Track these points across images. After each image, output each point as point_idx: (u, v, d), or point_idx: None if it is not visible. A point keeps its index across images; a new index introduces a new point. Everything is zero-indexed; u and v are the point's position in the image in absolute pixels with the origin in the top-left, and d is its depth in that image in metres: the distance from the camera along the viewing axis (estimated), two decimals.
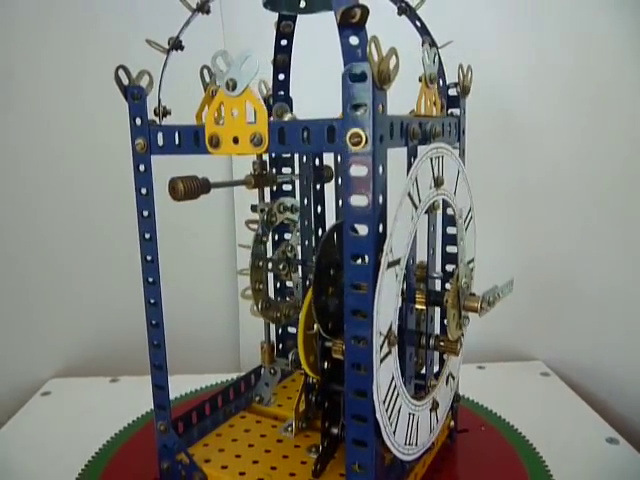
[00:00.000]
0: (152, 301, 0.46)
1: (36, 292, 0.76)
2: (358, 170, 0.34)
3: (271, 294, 0.55)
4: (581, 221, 0.75)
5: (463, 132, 0.50)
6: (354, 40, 0.34)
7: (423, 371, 0.45)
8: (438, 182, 0.41)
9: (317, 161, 0.52)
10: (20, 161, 0.73)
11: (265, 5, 0.45)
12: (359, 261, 0.35)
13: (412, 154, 0.38)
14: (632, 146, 0.71)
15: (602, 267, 0.74)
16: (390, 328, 0.36)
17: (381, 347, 0.35)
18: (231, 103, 0.38)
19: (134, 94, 0.42)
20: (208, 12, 0.43)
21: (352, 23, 0.34)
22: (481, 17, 0.73)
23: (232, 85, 0.37)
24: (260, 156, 0.51)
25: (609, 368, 0.73)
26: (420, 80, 0.41)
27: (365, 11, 0.34)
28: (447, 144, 0.43)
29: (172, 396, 0.48)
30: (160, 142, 0.42)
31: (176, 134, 0.41)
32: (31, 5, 0.69)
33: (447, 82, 0.49)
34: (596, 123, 0.72)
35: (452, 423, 0.54)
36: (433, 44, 0.48)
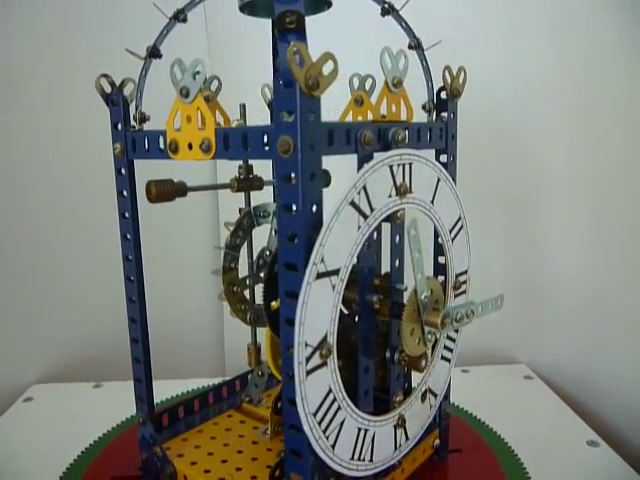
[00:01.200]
0: (133, 298, 0.48)
1: (18, 297, 0.76)
2: (288, 177, 0.33)
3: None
4: (567, 224, 0.76)
5: (453, 137, 0.47)
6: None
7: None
8: (401, 190, 0.40)
9: None
10: (11, 161, 0.74)
11: (242, 9, 0.46)
12: (291, 270, 0.34)
13: (365, 161, 0.37)
14: (628, 149, 0.68)
15: (587, 271, 0.75)
16: (324, 340, 0.35)
17: (308, 358, 0.34)
18: (185, 110, 0.39)
19: (114, 101, 0.44)
20: (185, 20, 0.45)
21: (290, 28, 0.34)
22: (475, 18, 0.70)
23: (185, 93, 0.38)
24: (246, 160, 0.51)
25: (592, 372, 0.73)
26: (394, 84, 0.40)
27: (301, 17, 0.33)
28: (417, 150, 0.41)
29: (157, 399, 0.50)
30: (133, 147, 0.44)
31: (145, 139, 0.43)
32: (25, 9, 0.71)
33: (433, 85, 0.47)
34: (593, 126, 0.72)
35: (437, 442, 0.51)
36: (418, 46, 0.46)
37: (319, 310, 0.34)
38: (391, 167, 0.39)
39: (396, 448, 0.44)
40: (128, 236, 0.47)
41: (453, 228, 0.47)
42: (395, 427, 0.43)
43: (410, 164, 0.41)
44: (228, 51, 0.69)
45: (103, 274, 0.75)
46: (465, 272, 0.50)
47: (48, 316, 0.77)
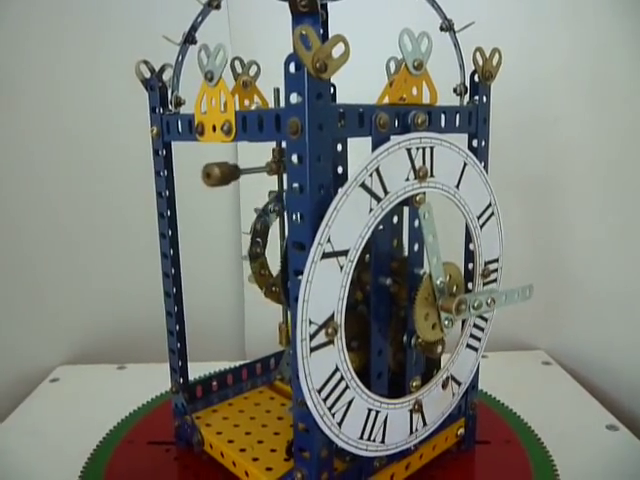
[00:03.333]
0: (168, 273, 0.51)
1: (45, 279, 0.77)
2: (296, 158, 0.34)
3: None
4: (586, 210, 0.75)
5: (484, 121, 0.46)
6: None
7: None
8: (420, 174, 0.39)
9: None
10: (32, 147, 0.74)
11: None
12: (299, 249, 0.35)
13: (380, 144, 0.37)
14: None
15: (607, 257, 0.74)
16: (330, 318, 0.36)
17: (312, 336, 0.35)
18: (210, 93, 0.40)
19: (152, 86, 0.47)
20: (218, 7, 0.46)
21: (303, 11, 0.34)
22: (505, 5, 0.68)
23: (210, 77, 0.40)
24: (279, 143, 0.52)
25: (611, 358, 0.73)
26: (415, 67, 0.39)
27: (313, 0, 0.34)
28: (441, 134, 0.40)
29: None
30: (167, 129, 0.46)
31: (177, 122, 0.45)
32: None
33: (465, 68, 0.46)
34: (617, 115, 0.70)
35: (461, 431, 0.51)
36: (450, 27, 0.45)
37: (325, 289, 0.35)
38: (409, 150, 0.38)
39: (412, 432, 0.44)
40: (165, 215, 0.49)
41: (482, 214, 0.46)
42: (411, 412, 0.43)
43: (431, 148, 0.40)
44: (251, 38, 0.70)
45: (129, 258, 0.78)
46: (496, 260, 0.48)
47: (74, 299, 0.79)
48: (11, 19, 0.70)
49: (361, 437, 0.40)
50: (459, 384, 0.48)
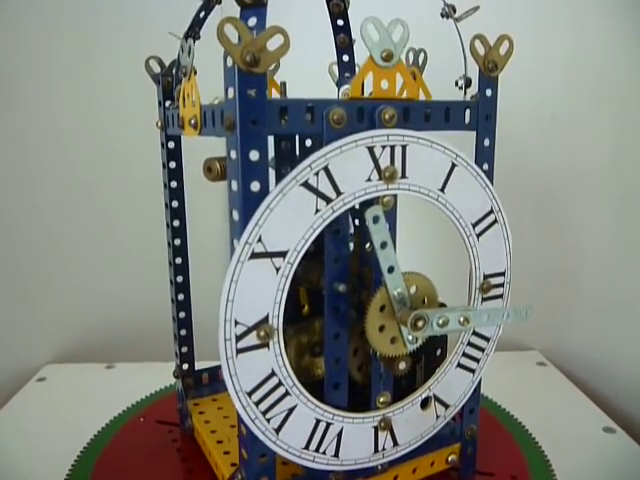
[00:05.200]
0: (174, 262, 0.52)
1: (32, 277, 0.76)
2: (232, 154, 0.33)
3: None
4: (583, 210, 0.76)
5: (487, 117, 0.41)
6: (252, 22, 0.33)
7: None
8: (386, 175, 0.36)
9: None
10: (24, 145, 0.73)
11: None
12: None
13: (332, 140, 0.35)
14: None
15: (604, 259, 0.75)
16: (263, 321, 0.34)
17: (240, 337, 0.34)
18: (186, 88, 0.41)
19: (158, 80, 0.49)
20: (219, 2, 0.46)
21: (248, 4, 0.33)
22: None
23: (184, 72, 0.40)
24: None
25: (607, 359, 0.74)
26: (384, 58, 0.36)
27: None
28: (417, 131, 0.37)
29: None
30: (168, 123, 0.47)
31: (172, 116, 0.46)
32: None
33: (467, 59, 0.41)
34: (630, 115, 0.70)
35: (452, 457, 0.46)
36: (450, 14, 0.41)
37: (256, 291, 0.34)
38: (371, 148, 0.36)
39: (378, 451, 0.41)
40: (168, 205, 0.51)
41: (480, 222, 0.41)
42: (376, 429, 0.40)
43: (403, 146, 0.37)
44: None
45: (118, 255, 0.76)
46: (501, 274, 0.43)
47: (62, 296, 0.77)
48: (7, 17, 0.69)
49: (306, 447, 0.38)
50: (446, 406, 0.44)
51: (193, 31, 0.47)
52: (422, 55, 0.48)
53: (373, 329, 0.37)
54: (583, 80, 0.72)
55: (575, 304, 0.77)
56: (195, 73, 0.40)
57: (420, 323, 0.36)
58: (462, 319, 0.37)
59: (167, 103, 0.48)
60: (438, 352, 0.46)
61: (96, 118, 0.73)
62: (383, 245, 0.35)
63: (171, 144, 0.50)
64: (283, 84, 0.51)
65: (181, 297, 0.53)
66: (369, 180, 0.36)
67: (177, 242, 0.52)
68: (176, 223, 0.52)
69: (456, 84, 0.42)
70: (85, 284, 0.77)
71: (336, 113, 0.35)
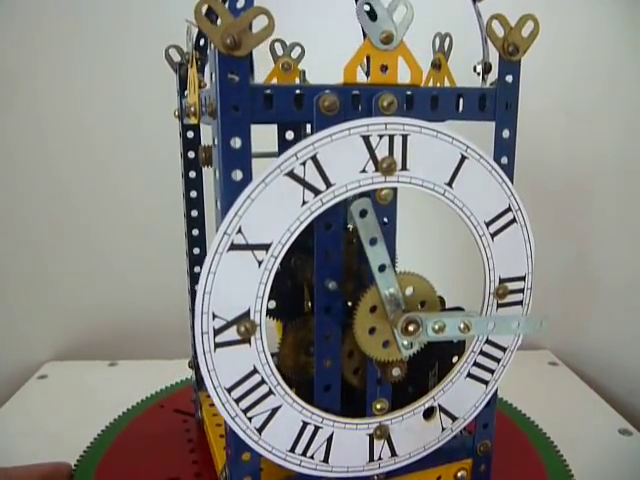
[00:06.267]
0: (194, 252, 0.52)
1: (33, 273, 0.74)
2: (215, 141, 0.32)
3: None
4: (600, 209, 0.75)
5: (507, 106, 0.37)
6: (240, 3, 0.32)
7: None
8: (383, 166, 0.34)
9: None
10: (17, 149, 0.71)
11: None
12: None
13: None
14: None
15: (618, 258, 0.74)
16: (244, 316, 0.33)
17: (218, 331, 0.33)
18: (191, 77, 0.40)
19: (180, 69, 0.48)
20: None
21: None
22: None
23: (187, 59, 0.40)
24: None
25: (619, 358, 0.73)
26: (383, 41, 0.34)
27: None
28: (420, 120, 0.34)
29: (179, 379, 0.55)
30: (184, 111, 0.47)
31: (183, 104, 0.46)
32: None
33: (488, 43, 0.37)
34: None
35: (461, 473, 0.43)
36: None
37: (236, 284, 0.33)
38: (367, 137, 0.33)
39: (373, 460, 0.39)
40: (184, 195, 0.51)
41: (495, 221, 0.38)
42: (371, 436, 0.38)
43: (404, 136, 0.34)
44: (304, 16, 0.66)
45: (121, 251, 0.74)
46: (521, 278, 0.40)
47: (63, 292, 0.75)
48: (21, 16, 0.68)
49: (292, 450, 0.36)
50: (453, 418, 0.40)
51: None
52: (447, 40, 0.45)
53: (362, 331, 0.34)
54: (597, 75, 0.71)
55: (587, 303, 0.76)
56: (197, 60, 0.39)
57: (412, 327, 0.33)
58: (462, 326, 0.34)
59: (185, 92, 0.48)
60: (455, 359, 0.42)
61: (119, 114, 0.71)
62: (372, 241, 0.33)
63: (190, 134, 0.50)
64: (303, 72, 0.49)
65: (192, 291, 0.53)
66: (364, 171, 0.34)
67: (195, 232, 0.52)
68: (194, 213, 0.51)
69: (474, 70, 0.39)
70: (87, 278, 0.75)
71: (327, 99, 0.33)
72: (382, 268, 0.33)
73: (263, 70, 0.51)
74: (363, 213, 0.33)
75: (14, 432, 0.56)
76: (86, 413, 0.58)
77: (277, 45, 0.52)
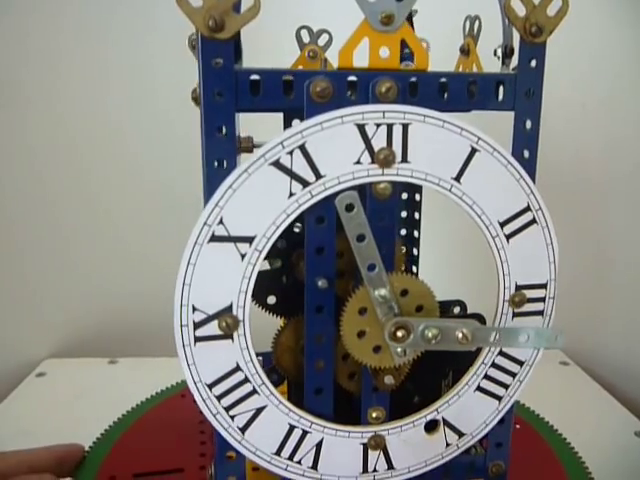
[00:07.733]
0: None
1: (32, 269, 0.72)
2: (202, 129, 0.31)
3: None
4: (615, 205, 0.73)
5: (529, 94, 0.33)
6: None
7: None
8: (380, 158, 0.31)
9: None
10: (27, 142, 0.70)
11: None
12: None
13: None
14: None
15: (631, 257, 0.72)
16: (226, 310, 0.32)
17: (198, 325, 0.32)
18: None
19: None
20: None
21: None
22: None
23: (192, 45, 0.39)
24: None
25: (633, 358, 0.71)
26: (383, 22, 0.31)
27: None
28: (423, 108, 0.31)
29: (179, 378, 0.52)
30: None
31: None
32: None
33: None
34: None
35: None
36: None
37: (217, 277, 0.31)
38: (362, 126, 0.31)
39: (367, 471, 0.36)
40: None
41: (510, 221, 0.34)
42: (365, 446, 0.36)
43: (405, 125, 0.31)
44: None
45: (119, 247, 0.73)
46: (543, 286, 0.36)
47: (62, 288, 0.73)
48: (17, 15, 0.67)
49: (277, 453, 0.35)
50: (459, 434, 0.37)
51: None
52: (477, 23, 0.41)
53: (350, 333, 0.32)
54: (613, 66, 0.68)
55: (599, 302, 0.74)
56: None
57: (400, 333, 0.30)
58: (460, 335, 0.31)
59: None
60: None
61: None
62: (360, 238, 0.31)
63: None
64: (324, 60, 0.47)
65: None
66: (358, 163, 0.31)
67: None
68: None
69: (494, 54, 0.35)
70: (86, 274, 0.73)
71: (319, 85, 0.30)
72: (372, 267, 0.31)
73: (290, 59, 0.50)
74: (349, 207, 0.30)
75: (12, 430, 0.55)
76: (85, 411, 0.57)
77: (303, 32, 0.50)
